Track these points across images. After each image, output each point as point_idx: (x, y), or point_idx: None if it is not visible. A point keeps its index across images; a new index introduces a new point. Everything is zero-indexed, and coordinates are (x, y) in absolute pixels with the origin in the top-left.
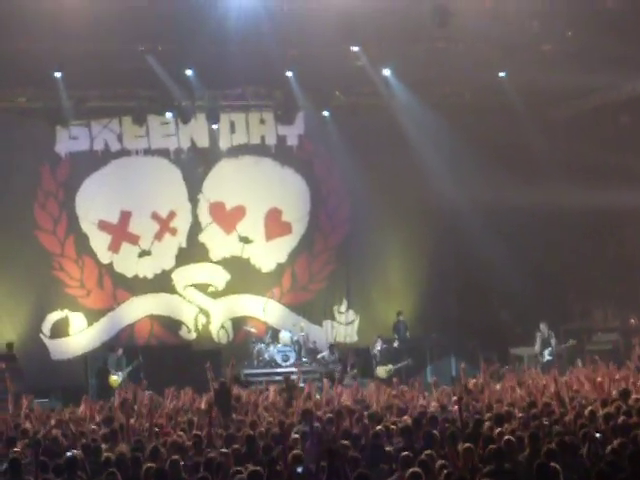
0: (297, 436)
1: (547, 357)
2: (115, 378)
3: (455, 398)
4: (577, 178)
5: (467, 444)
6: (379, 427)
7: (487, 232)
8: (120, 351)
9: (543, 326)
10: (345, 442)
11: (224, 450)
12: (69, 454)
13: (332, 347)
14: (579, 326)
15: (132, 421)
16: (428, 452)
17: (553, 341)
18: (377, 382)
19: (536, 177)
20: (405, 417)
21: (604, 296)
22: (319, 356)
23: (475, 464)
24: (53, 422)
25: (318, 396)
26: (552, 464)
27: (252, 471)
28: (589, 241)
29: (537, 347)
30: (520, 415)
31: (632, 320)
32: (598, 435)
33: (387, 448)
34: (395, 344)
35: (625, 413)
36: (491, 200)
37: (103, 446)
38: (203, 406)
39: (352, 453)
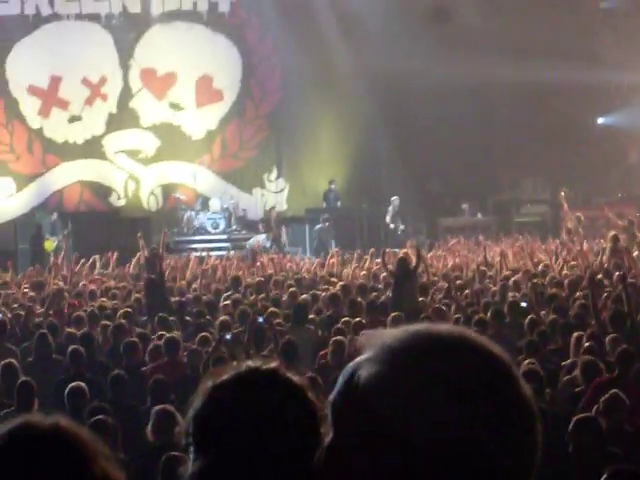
0: (227, 302)
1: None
2: (50, 243)
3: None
4: (508, 50)
5: (395, 312)
6: (305, 295)
7: (420, 102)
8: (55, 215)
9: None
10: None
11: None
12: None
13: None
14: (508, 197)
15: (62, 284)
16: (357, 320)
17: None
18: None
19: (468, 48)
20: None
21: (534, 168)
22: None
23: None
24: None
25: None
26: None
27: (169, 338)
28: (519, 113)
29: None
30: (446, 285)
31: (562, 192)
32: (524, 305)
33: (311, 316)
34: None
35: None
36: (424, 70)
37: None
38: (132, 270)
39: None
